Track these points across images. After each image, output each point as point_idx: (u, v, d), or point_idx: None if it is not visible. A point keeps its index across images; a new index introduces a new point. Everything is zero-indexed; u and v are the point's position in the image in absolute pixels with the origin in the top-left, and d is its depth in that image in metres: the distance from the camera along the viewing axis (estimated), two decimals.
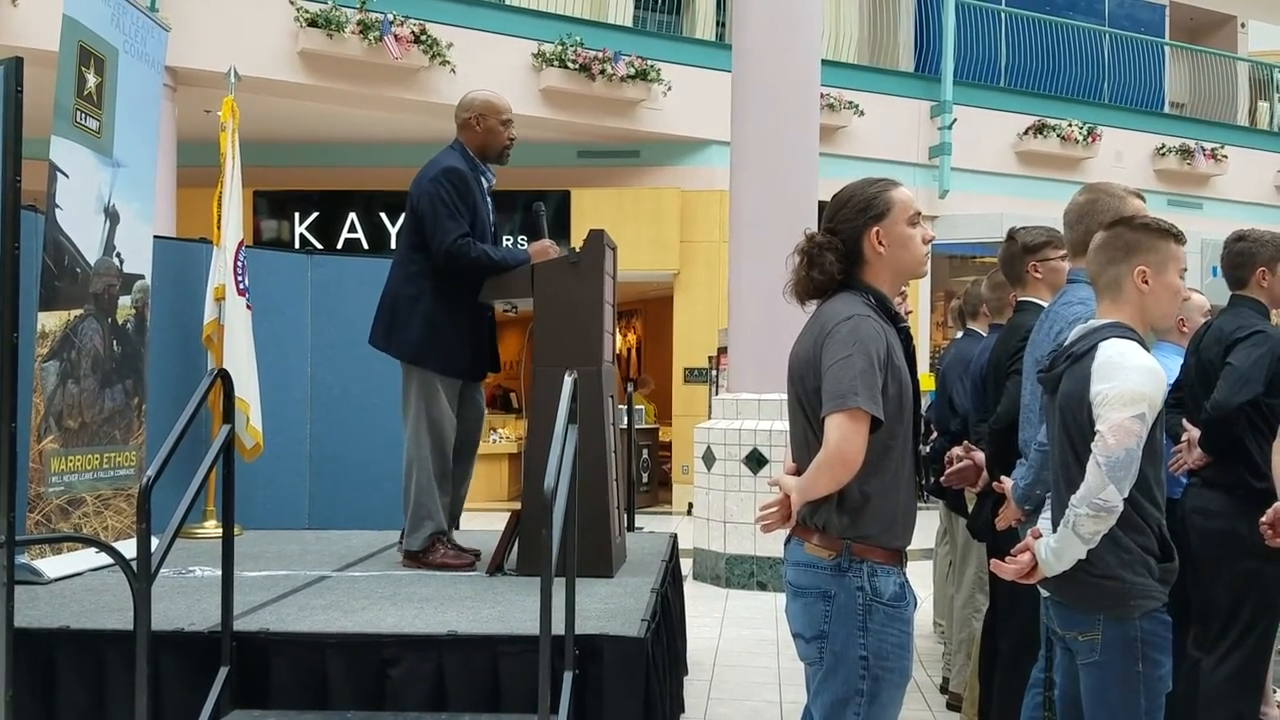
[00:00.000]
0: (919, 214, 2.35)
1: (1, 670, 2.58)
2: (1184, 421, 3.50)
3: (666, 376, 12.57)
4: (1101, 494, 2.29)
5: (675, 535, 5.10)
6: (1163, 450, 2.49)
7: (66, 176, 4.14)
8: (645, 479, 12.02)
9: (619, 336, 11.70)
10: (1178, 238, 2.51)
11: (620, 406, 4.98)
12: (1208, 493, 3.38)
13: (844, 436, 2.13)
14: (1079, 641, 2.46)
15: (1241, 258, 3.53)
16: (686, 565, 6.70)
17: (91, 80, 4.28)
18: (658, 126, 11.45)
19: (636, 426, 9.49)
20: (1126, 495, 2.32)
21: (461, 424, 4.29)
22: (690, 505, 9.12)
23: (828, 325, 2.24)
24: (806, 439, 2.28)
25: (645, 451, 12.07)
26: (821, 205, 2.92)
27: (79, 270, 4.25)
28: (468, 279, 4.13)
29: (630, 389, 8.83)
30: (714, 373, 10.82)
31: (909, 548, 2.32)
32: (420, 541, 4.17)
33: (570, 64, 10.74)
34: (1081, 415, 2.40)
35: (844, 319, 2.21)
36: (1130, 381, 2.34)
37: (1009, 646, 3.36)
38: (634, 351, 16.41)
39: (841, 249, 2.30)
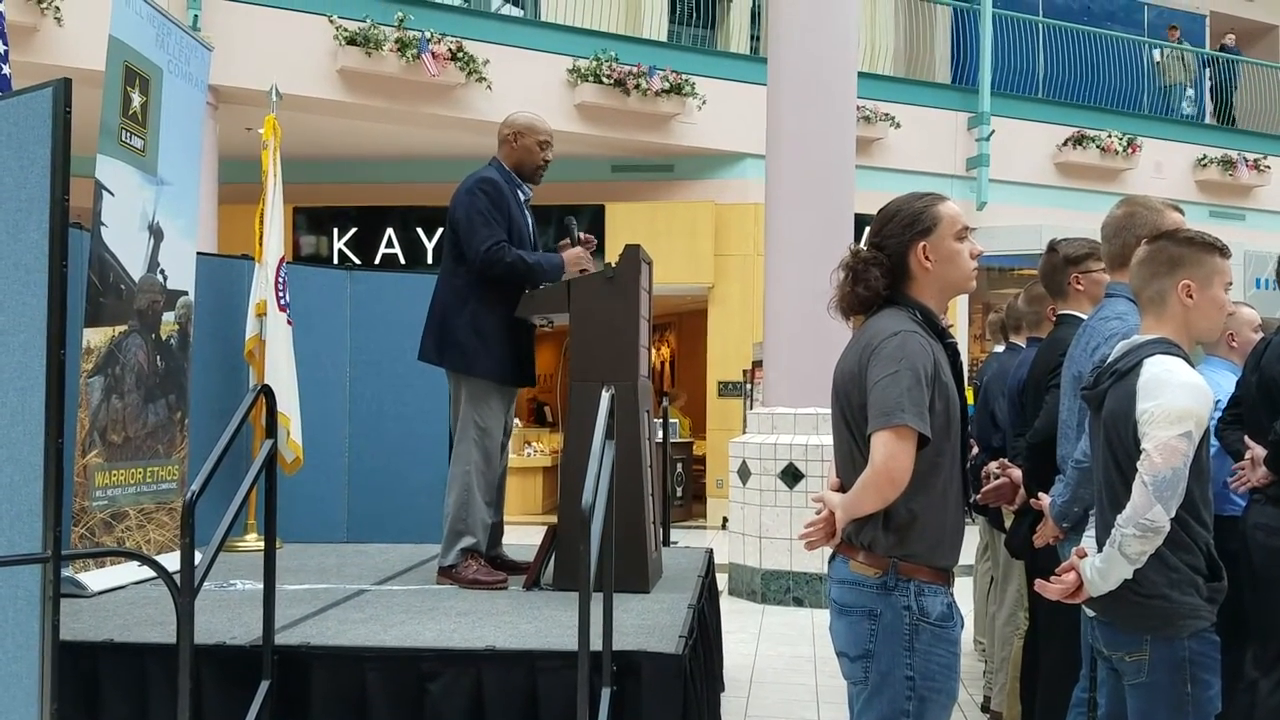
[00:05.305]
0: (966, 229, 2.32)
1: (46, 683, 2.60)
2: (1245, 439, 3.42)
3: (701, 390, 12.54)
4: (1148, 514, 2.26)
5: (711, 551, 5.08)
6: (1209, 468, 2.45)
7: (112, 194, 4.21)
8: (679, 493, 11.99)
9: (652, 350, 11.69)
10: (1223, 252, 2.48)
11: (655, 420, 4.97)
12: (1271, 509, 3.29)
13: (890, 454, 2.11)
14: (1126, 662, 2.42)
15: None
16: (721, 580, 6.66)
17: (136, 100, 4.35)
18: (692, 140, 11.46)
19: (671, 440, 9.47)
20: (1173, 515, 2.29)
21: None
22: (725, 520, 9.08)
23: (873, 341, 2.21)
24: (852, 456, 2.26)
25: (679, 466, 12.04)
26: (858, 218, 2.90)
27: (124, 287, 4.32)
28: (509, 287, 4.15)
29: (664, 403, 8.82)
30: (749, 386, 10.79)
31: None
32: (453, 556, 4.17)
33: (605, 79, 10.79)
34: (1127, 433, 2.37)
35: (890, 335, 2.19)
36: (1177, 399, 2.30)
37: (1050, 664, 3.31)
38: (668, 365, 16.40)
39: (887, 264, 2.27)
